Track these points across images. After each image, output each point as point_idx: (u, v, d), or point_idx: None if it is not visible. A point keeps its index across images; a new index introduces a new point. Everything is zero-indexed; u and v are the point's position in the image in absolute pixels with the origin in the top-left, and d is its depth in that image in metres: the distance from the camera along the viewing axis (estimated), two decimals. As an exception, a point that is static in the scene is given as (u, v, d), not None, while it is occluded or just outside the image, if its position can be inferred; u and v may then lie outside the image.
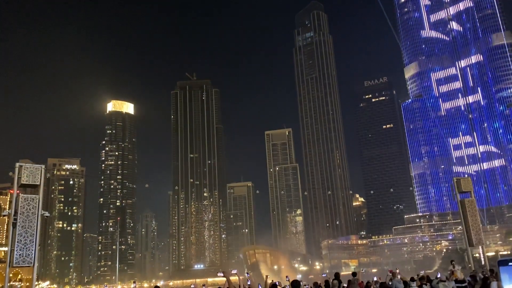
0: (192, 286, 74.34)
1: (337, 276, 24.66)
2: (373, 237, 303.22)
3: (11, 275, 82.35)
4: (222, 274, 18.58)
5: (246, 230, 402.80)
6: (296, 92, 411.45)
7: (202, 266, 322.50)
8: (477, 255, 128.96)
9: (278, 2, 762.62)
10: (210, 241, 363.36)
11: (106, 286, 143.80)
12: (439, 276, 34.33)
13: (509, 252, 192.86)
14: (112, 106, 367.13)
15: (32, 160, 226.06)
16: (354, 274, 27.29)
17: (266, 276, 23.31)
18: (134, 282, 61.07)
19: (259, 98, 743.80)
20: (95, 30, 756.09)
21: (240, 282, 20.76)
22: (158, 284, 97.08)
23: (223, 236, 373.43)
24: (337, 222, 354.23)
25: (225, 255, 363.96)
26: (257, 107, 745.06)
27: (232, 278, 18.16)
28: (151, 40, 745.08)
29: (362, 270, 49.33)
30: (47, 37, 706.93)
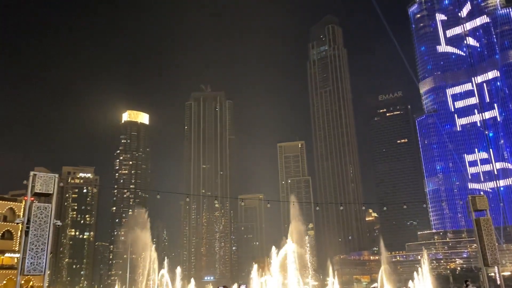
0: None
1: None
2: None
3: (22, 282, 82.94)
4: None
5: (257, 243, 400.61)
6: (310, 105, 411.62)
7: (212, 278, 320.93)
8: (492, 274, 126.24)
9: (293, 15, 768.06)
10: (221, 252, 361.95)
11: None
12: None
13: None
14: (127, 116, 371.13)
15: (47, 168, 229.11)
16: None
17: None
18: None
19: (272, 110, 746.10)
20: (112, 40, 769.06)
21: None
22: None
23: (233, 248, 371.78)
24: (350, 237, 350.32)
25: (235, 268, 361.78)
26: (270, 119, 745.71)
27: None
28: (167, 51, 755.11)
29: (375, 285, 48.52)
30: (63, 46, 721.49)
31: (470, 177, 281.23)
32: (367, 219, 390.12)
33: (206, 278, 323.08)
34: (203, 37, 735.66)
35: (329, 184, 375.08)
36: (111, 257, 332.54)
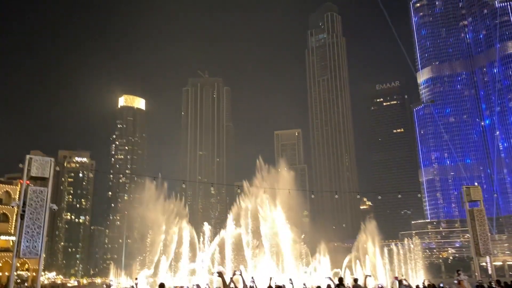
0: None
1: (341, 281, 24.62)
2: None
3: (18, 264, 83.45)
4: (218, 274, 18.59)
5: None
6: (307, 93, 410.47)
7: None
8: (484, 264, 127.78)
9: (291, 2, 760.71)
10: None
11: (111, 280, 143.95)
12: (442, 286, 34.01)
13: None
14: (123, 100, 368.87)
15: (43, 151, 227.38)
16: (355, 280, 27.55)
17: (270, 278, 23.30)
18: (136, 279, 60.92)
19: (269, 98, 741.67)
20: (108, 24, 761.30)
21: (245, 282, 20.80)
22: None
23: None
24: (344, 225, 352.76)
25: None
26: (267, 107, 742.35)
27: (236, 278, 18.15)
28: (164, 36, 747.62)
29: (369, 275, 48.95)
30: (60, 30, 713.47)
31: (465, 166, 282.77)
32: (361, 207, 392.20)
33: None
34: (200, 22, 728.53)
35: (325, 172, 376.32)
36: (106, 241, 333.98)
